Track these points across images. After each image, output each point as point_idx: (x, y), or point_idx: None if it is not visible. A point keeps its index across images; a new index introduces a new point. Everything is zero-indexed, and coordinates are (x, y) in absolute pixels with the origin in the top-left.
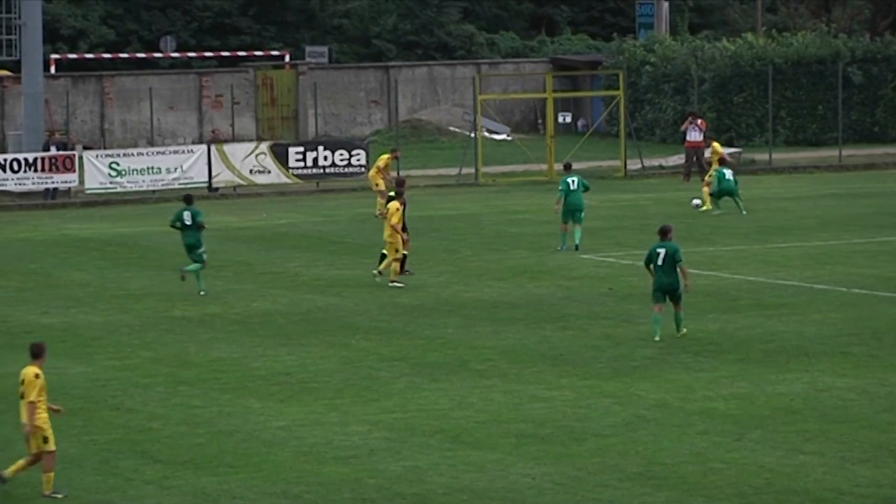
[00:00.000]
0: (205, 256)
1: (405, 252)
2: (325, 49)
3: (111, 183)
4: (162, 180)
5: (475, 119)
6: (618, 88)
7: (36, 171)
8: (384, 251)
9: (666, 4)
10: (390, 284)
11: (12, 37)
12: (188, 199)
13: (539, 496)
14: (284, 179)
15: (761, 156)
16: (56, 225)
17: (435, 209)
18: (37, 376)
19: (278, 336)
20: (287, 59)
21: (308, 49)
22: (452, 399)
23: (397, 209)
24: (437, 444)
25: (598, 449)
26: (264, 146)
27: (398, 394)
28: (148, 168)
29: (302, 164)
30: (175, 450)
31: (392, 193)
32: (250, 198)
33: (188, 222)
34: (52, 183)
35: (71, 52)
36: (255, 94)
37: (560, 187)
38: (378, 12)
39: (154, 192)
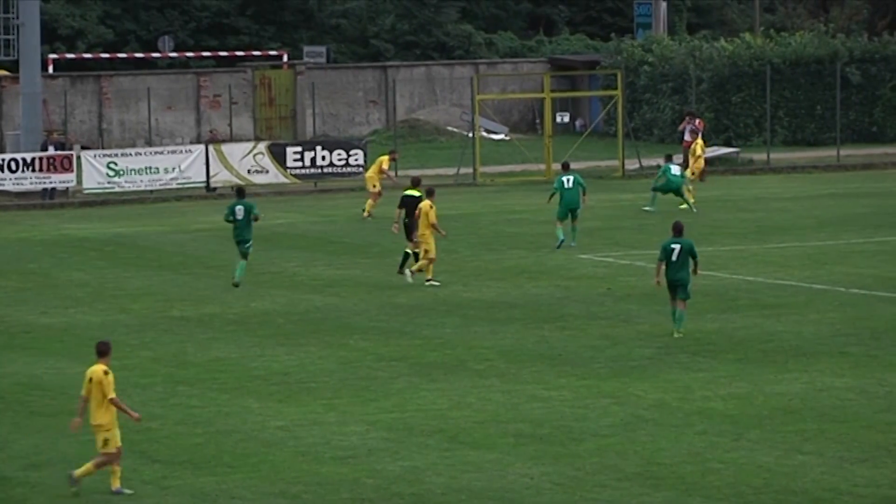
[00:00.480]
0: (250, 250)
1: (416, 251)
2: (322, 49)
3: (109, 183)
4: (160, 180)
5: (473, 119)
6: (616, 88)
7: (34, 170)
8: (406, 250)
9: (664, 4)
10: (427, 284)
11: (10, 37)
12: (240, 192)
13: (537, 496)
14: (282, 179)
15: (759, 156)
16: (54, 225)
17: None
18: (106, 373)
19: (276, 336)
20: (285, 58)
21: (306, 49)
22: (450, 399)
23: (431, 207)
24: (435, 444)
25: (597, 449)
26: (262, 146)
27: (396, 394)
28: (146, 168)
29: (300, 163)
30: (173, 450)
31: (415, 193)
32: (248, 198)
33: (239, 217)
34: (50, 183)
35: (69, 52)
36: (252, 93)
37: (554, 185)
38: (376, 12)
39: (152, 192)
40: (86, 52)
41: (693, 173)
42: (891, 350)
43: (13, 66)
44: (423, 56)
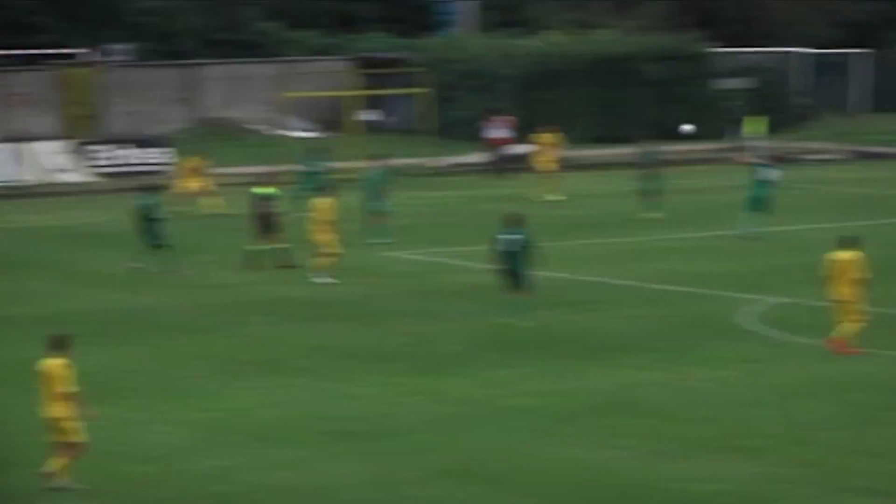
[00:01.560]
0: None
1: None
2: (127, 47)
3: None
4: None
5: (280, 117)
6: (423, 86)
7: None
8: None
9: (469, 2)
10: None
11: None
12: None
13: (347, 492)
14: (88, 178)
15: (570, 153)
16: None
17: (239, 209)
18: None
19: (84, 336)
20: (89, 57)
21: (110, 47)
22: (260, 398)
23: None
24: (244, 443)
25: (406, 445)
26: (67, 145)
27: (206, 393)
28: None
29: (105, 162)
30: None
31: (261, 191)
32: (54, 196)
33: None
34: None
35: None
36: (56, 92)
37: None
38: (182, 10)
39: None
40: None
41: (542, 167)
42: (694, 346)
43: None
44: (230, 54)
